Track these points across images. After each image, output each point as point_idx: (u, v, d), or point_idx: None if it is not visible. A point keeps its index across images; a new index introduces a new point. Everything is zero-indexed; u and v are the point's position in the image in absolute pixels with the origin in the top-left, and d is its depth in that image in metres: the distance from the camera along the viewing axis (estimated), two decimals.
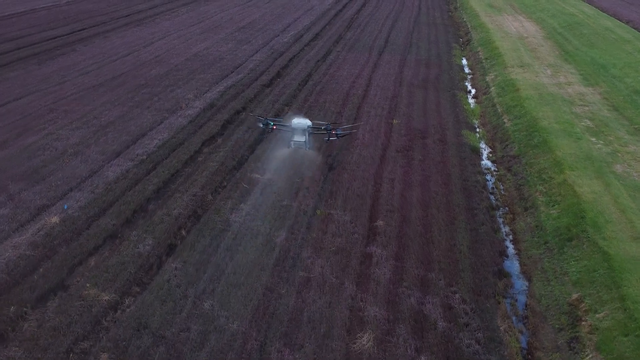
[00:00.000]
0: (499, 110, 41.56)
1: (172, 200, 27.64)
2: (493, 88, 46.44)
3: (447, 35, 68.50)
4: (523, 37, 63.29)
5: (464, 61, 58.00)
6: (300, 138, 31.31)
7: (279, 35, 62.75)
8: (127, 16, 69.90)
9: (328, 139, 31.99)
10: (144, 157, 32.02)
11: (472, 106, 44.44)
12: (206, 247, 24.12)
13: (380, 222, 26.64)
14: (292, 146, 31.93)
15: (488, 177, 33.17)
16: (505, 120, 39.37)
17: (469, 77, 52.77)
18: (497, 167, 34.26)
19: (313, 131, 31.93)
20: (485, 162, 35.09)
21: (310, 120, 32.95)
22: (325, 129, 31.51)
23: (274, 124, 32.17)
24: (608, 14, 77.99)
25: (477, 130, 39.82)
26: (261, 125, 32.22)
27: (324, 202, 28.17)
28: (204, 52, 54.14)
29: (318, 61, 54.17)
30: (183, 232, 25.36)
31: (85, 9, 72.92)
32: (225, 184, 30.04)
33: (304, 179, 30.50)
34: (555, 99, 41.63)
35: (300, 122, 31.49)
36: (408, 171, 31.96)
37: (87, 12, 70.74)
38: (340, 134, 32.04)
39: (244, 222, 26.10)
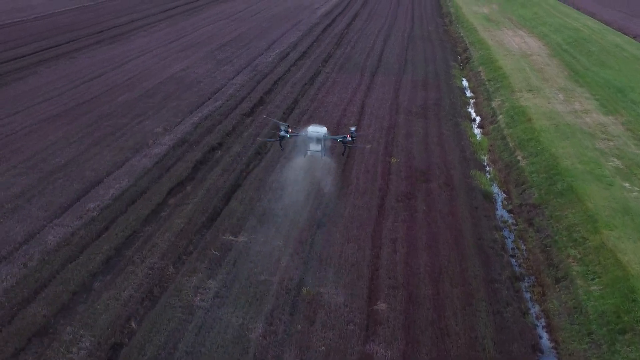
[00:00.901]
0: (511, 144, 36.27)
1: (124, 276, 22.18)
2: (501, 117, 41.16)
3: (444, 52, 63.33)
4: (527, 54, 58.17)
5: (465, 82, 52.78)
6: (316, 147, 29.48)
7: (263, 54, 57.37)
8: (100, 32, 64.27)
9: (345, 152, 30.94)
10: (96, 213, 26.51)
11: (478, 138, 39.21)
12: (160, 349, 18.53)
13: (381, 305, 21.36)
14: (309, 154, 29.91)
15: (506, 232, 27.85)
16: (520, 158, 34.09)
17: (472, 101, 47.57)
18: (515, 219, 28.96)
19: (329, 139, 30.25)
20: (501, 213, 29.82)
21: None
22: (342, 141, 29.49)
23: (289, 132, 29.55)
24: (612, 28, 73.02)
25: (487, 169, 34.62)
26: (280, 134, 29.16)
27: (312, 275, 22.71)
28: (180, 74, 48.68)
29: (305, 84, 48.82)
30: (133, 325, 19.85)
31: (55, 25, 67.27)
32: (191, 249, 24.60)
33: (288, 240, 25.06)
34: (573, 132, 36.41)
35: (317, 130, 29.34)
36: (412, 227, 26.62)
37: (56, 29, 65.10)
38: (352, 139, 29.52)
39: (210, 308, 20.71)
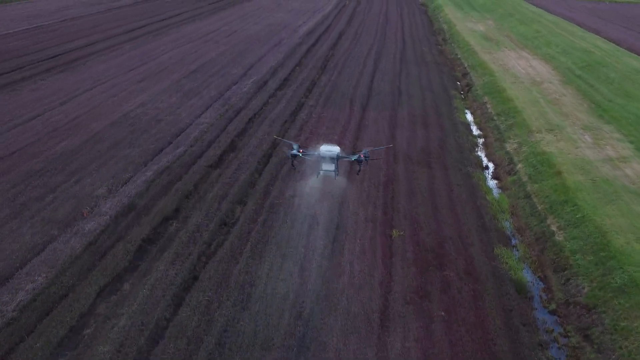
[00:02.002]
0: (539, 206, 29.28)
1: None
2: (521, 166, 34.09)
3: (442, 77, 56.27)
4: (536, 82, 51.30)
5: (470, 116, 45.76)
6: (329, 166, 28.57)
7: (237, 82, 50.03)
8: (53, 57, 56.61)
9: (359, 171, 30.65)
10: None
11: (495, 195, 32.01)
12: None
13: None
14: (321, 174, 28.99)
15: (554, 350, 20.50)
16: (554, 228, 27.05)
17: (481, 142, 40.52)
18: (563, 327, 21.90)
19: (343, 159, 29.19)
20: (543, 316, 22.46)
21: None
22: (357, 160, 28.47)
23: (301, 151, 28.61)
24: (623, 48, 66.34)
25: (513, 242, 27.26)
26: (290, 153, 28.39)
27: None
28: (137, 111, 41.31)
29: (286, 122, 41.59)
30: None
31: (4, 49, 59.11)
32: None
33: None
34: (616, 190, 29.44)
35: (330, 149, 28.52)
36: (428, 348, 19.10)
37: (4, 53, 56.98)
38: (365, 159, 28.52)
39: None
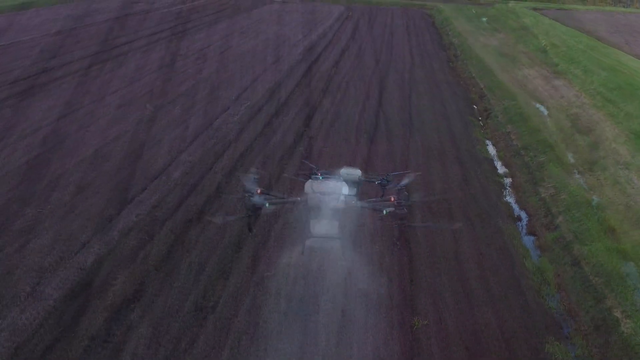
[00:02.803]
0: (593, 279, 23.57)
1: None
2: (561, 219, 28.24)
3: (456, 100, 50.35)
4: (563, 107, 45.49)
5: (492, 149, 39.88)
6: (350, 191, 18.38)
7: (229, 109, 44.07)
8: (15, 82, 50.32)
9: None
10: None
11: (534, 258, 26.13)
12: None
13: None
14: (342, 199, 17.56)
15: None
16: (617, 313, 21.35)
17: (508, 182, 34.46)
18: None
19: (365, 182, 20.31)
20: None
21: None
22: (380, 184, 19.71)
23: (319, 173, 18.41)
24: None
25: (567, 332, 21.37)
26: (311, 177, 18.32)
27: None
28: (111, 146, 35.53)
29: (282, 158, 35.39)
30: None
31: None
32: None
33: None
34: None
35: (350, 172, 18.98)
36: None
37: None
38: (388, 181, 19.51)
39: None
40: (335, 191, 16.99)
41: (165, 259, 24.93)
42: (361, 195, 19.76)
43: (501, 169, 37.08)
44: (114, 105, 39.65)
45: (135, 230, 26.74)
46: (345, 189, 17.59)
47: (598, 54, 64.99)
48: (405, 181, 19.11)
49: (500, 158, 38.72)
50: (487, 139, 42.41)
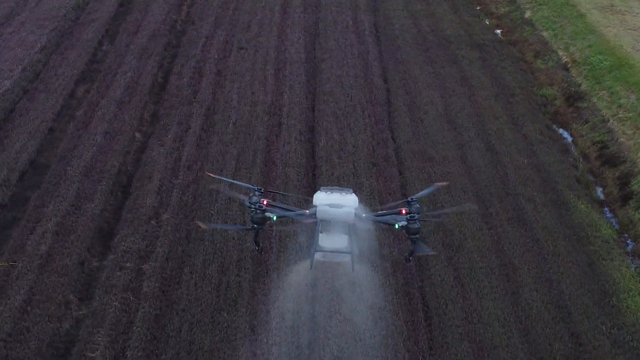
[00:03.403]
0: None
1: None
2: None
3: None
4: None
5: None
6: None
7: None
8: None
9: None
10: None
11: None
12: None
13: None
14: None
15: None
16: None
17: None
18: None
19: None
20: None
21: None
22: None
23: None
24: None
25: None
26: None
27: None
28: None
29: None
30: None
31: None
32: None
33: None
34: None
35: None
36: None
37: None
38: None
39: None
40: (345, 204, 16.18)
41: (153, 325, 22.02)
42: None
43: None
44: (100, 132, 36.27)
45: (118, 288, 24.04)
46: (356, 202, 16.71)
47: None
48: (424, 192, 19.72)
49: None
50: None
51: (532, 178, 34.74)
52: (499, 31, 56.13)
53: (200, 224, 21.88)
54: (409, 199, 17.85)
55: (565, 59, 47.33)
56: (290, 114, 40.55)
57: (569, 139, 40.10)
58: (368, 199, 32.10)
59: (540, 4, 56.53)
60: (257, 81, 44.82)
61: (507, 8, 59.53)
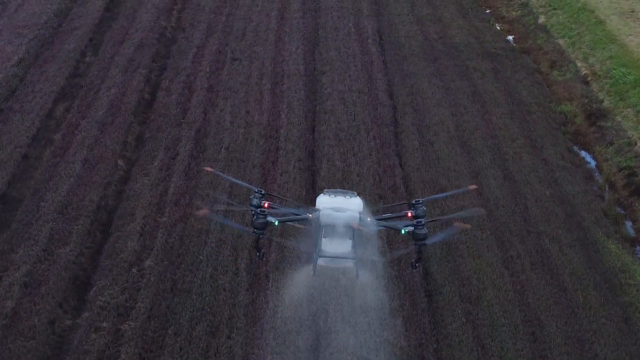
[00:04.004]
0: None
1: None
2: None
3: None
4: None
5: None
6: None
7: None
8: None
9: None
10: None
11: None
12: None
13: None
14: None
15: None
16: None
17: None
18: None
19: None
20: None
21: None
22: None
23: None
24: None
25: None
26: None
27: None
28: None
29: None
30: None
31: None
32: None
33: None
34: None
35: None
36: None
37: None
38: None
39: None
40: (349, 207, 16.01)
41: None
42: None
43: None
44: (79, 160, 33.16)
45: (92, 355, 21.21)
46: (360, 205, 16.50)
47: None
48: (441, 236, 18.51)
49: None
50: None
51: (555, 212, 31.59)
52: (511, 37, 52.86)
53: (201, 212, 21.41)
54: (414, 201, 17.46)
55: (585, 71, 44.05)
56: (288, 137, 37.32)
57: (593, 163, 36.89)
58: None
59: (554, 8, 53.16)
60: (252, 98, 41.56)
61: (519, 12, 56.25)
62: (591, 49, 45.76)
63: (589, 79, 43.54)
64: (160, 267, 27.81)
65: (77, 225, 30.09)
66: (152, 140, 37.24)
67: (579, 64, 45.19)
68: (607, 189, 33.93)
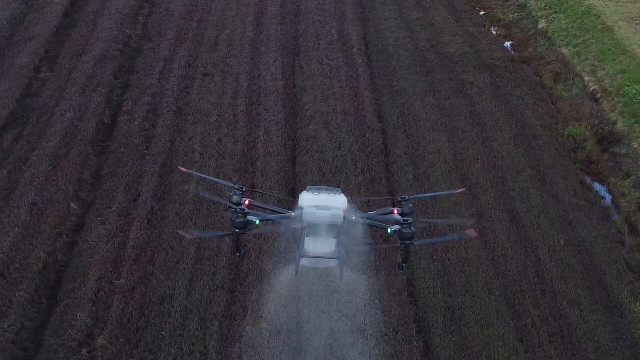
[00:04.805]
0: None
1: None
2: None
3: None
4: None
5: None
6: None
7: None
8: None
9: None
10: None
11: None
12: None
13: None
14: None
15: None
16: None
17: None
18: None
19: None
20: None
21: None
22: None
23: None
24: None
25: None
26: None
27: None
28: None
29: None
30: None
31: None
32: None
33: None
34: None
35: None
36: None
37: None
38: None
39: None
40: (333, 205, 15.72)
41: None
42: None
43: None
44: (25, 204, 28.94)
45: None
46: (345, 203, 16.13)
47: None
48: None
49: None
50: None
51: (572, 265, 27.87)
52: (508, 44, 49.06)
53: (182, 232, 21.35)
54: (400, 197, 17.12)
55: (593, 87, 40.27)
56: (265, 171, 33.25)
57: (608, 199, 33.17)
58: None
59: (555, 12, 49.30)
60: (225, 122, 37.38)
61: (516, 14, 52.43)
62: (599, 61, 41.90)
63: (598, 95, 39.71)
64: (114, 346, 23.76)
65: (19, 291, 25.87)
66: (111, 177, 33.00)
67: (586, 78, 41.34)
68: (627, 231, 30.14)
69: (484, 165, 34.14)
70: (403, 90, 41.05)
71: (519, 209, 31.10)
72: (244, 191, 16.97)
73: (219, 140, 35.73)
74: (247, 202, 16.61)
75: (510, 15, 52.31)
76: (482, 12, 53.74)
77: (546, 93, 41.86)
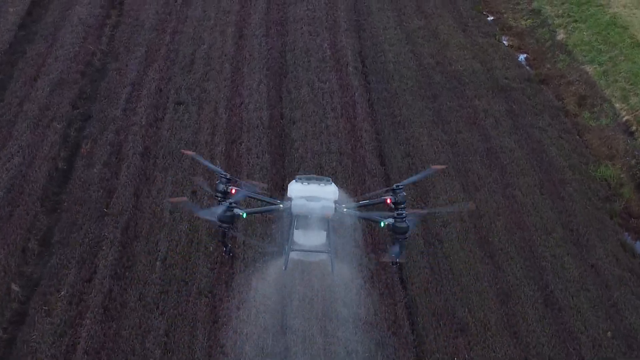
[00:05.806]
0: None
1: None
2: None
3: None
4: None
5: None
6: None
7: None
8: None
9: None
10: None
11: None
12: None
13: None
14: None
15: None
16: None
17: None
18: None
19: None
20: None
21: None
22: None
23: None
24: None
25: None
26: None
27: None
28: None
29: None
30: None
31: None
32: None
33: None
34: None
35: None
36: None
37: None
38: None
39: None
40: (324, 196, 15.37)
41: None
42: None
43: None
44: None
45: None
46: (336, 193, 16.00)
47: None
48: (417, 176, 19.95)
49: None
50: None
51: None
52: (522, 57, 43.60)
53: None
54: (395, 186, 16.58)
55: (626, 116, 35.05)
56: (248, 233, 27.91)
57: None
58: None
59: (575, 20, 43.83)
60: (201, 168, 31.78)
61: (530, 21, 46.92)
62: (631, 84, 36.60)
63: (632, 128, 34.42)
64: None
65: None
66: (62, 246, 27.58)
67: (616, 105, 36.02)
68: None
69: (507, 224, 28.91)
70: (407, 121, 35.64)
71: (553, 286, 25.97)
72: (229, 179, 16.66)
73: (193, 193, 30.28)
74: (233, 191, 16.46)
75: (523, 22, 46.75)
76: (490, 18, 48.17)
77: (571, 122, 36.49)
